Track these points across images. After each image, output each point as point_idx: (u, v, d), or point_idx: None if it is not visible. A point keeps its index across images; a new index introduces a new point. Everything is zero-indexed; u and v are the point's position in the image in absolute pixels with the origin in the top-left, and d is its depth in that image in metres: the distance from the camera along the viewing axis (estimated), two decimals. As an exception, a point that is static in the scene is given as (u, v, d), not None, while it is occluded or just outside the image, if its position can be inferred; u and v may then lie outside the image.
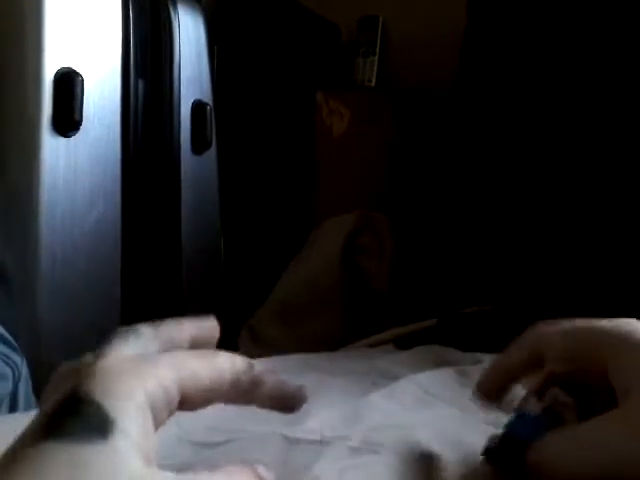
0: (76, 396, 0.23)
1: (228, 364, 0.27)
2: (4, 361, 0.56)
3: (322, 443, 0.37)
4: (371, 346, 0.69)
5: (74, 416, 0.22)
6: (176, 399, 0.25)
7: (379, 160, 0.89)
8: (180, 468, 0.25)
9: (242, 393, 0.28)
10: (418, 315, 0.76)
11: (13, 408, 0.54)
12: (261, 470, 0.26)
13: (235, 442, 0.38)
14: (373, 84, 1.19)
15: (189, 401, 0.26)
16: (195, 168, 0.90)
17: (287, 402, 0.30)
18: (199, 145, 0.90)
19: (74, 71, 0.72)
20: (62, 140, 0.73)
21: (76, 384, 0.23)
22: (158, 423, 0.24)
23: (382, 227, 0.83)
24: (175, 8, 0.85)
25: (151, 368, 0.25)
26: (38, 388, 0.61)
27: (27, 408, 0.54)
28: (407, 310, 0.77)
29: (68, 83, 0.72)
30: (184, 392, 0.25)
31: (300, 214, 0.95)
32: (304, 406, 0.44)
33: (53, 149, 0.73)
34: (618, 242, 0.70)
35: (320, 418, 0.40)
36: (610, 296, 0.68)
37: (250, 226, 0.94)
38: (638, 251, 0.68)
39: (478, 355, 0.59)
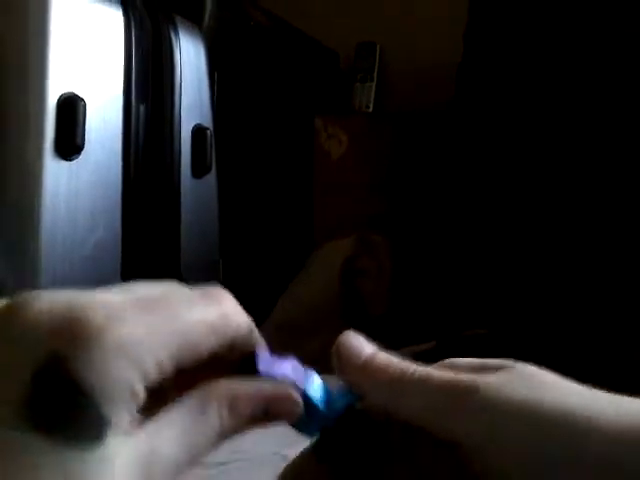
0: (65, 376, 0.20)
1: (233, 322, 0.25)
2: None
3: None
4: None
5: (65, 406, 0.20)
6: (170, 366, 0.22)
7: (377, 183, 0.90)
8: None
9: (234, 355, 0.25)
10: (417, 338, 0.76)
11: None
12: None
13: (235, 463, 0.38)
14: (371, 109, 1.21)
15: (183, 363, 0.23)
16: (195, 192, 0.91)
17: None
18: (199, 169, 0.91)
19: (77, 96, 0.73)
20: (64, 164, 0.74)
21: (60, 355, 0.20)
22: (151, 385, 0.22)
23: (380, 250, 0.84)
24: (176, 34, 0.87)
25: (146, 339, 0.21)
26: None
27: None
28: (406, 333, 0.77)
29: (71, 108, 0.73)
30: (179, 363, 0.22)
31: (299, 237, 0.95)
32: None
33: (55, 172, 0.73)
34: (612, 276, 0.70)
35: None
36: (603, 326, 0.69)
37: (249, 249, 0.95)
38: (634, 280, 0.68)
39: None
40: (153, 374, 0.21)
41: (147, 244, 0.86)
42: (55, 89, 0.71)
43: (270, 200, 0.98)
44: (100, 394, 0.20)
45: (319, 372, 0.67)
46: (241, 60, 1.03)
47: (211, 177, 0.94)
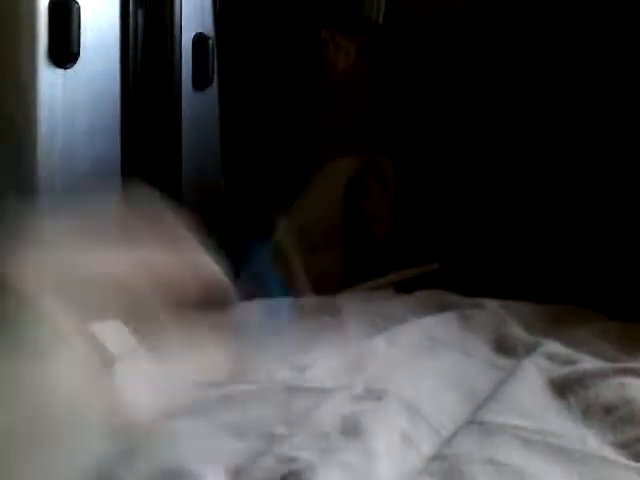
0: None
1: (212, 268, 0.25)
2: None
3: (324, 392, 0.36)
4: (372, 290, 0.69)
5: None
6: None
7: (385, 96, 0.87)
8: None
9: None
10: (419, 259, 0.75)
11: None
12: None
13: (236, 388, 0.38)
14: (380, 21, 1.15)
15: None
16: (196, 104, 0.88)
17: None
18: (200, 80, 0.88)
19: (70, -1, 0.69)
20: (59, 72, 0.71)
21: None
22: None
23: (385, 170, 0.82)
24: None
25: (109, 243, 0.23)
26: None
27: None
28: (409, 254, 0.77)
29: (64, 11, 0.69)
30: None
31: (304, 153, 0.93)
32: (306, 353, 0.44)
33: (50, 81, 0.70)
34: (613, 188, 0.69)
35: (322, 366, 0.40)
36: (599, 247, 0.68)
37: (252, 166, 0.92)
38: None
39: (479, 299, 0.60)
40: None
41: (147, 159, 0.84)
42: (47, -9, 0.67)
43: (274, 113, 0.94)
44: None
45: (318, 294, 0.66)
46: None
47: (213, 89, 0.90)
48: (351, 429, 0.33)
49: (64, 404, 0.21)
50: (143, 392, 0.23)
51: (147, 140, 0.83)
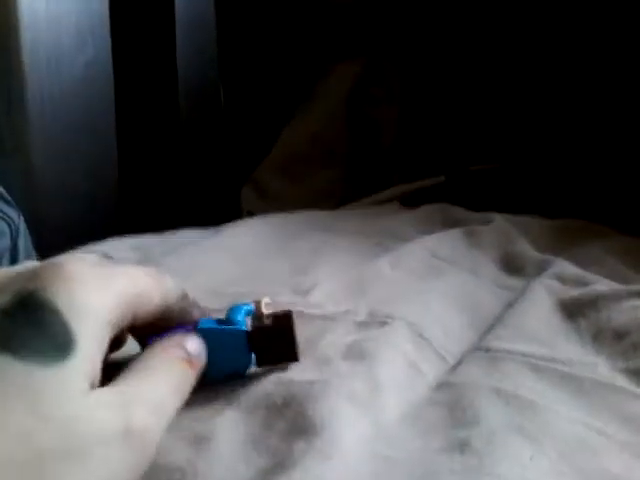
0: (38, 300, 0.21)
1: (172, 287, 0.27)
2: (0, 216, 0.54)
3: (326, 318, 0.35)
4: (376, 203, 0.67)
5: (36, 326, 0.20)
6: (130, 316, 0.24)
7: (389, 2, 0.81)
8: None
9: (173, 318, 0.27)
10: (425, 172, 0.73)
11: (14, 264, 0.53)
12: (190, 345, 0.26)
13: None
14: None
15: (136, 318, 0.25)
16: (190, 3, 0.83)
17: None
18: (194, -23, 0.82)
19: None
20: (41, -28, 0.66)
21: (37, 286, 0.21)
22: (112, 337, 0.23)
23: (390, 76, 0.78)
24: None
25: (111, 281, 0.23)
26: (37, 242, 0.60)
27: (27, 263, 0.53)
28: (414, 166, 0.74)
29: None
30: (136, 309, 0.24)
31: (307, 58, 0.88)
32: (308, 274, 0.43)
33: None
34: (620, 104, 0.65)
35: (324, 289, 0.39)
36: (611, 157, 0.65)
37: (251, 73, 0.88)
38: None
39: (486, 214, 0.58)
40: (117, 315, 0.23)
41: (141, 62, 0.80)
42: None
43: (274, 14, 0.89)
44: (69, 310, 0.21)
45: (324, 208, 0.64)
46: None
47: (208, -15, 0.84)
48: (355, 357, 0.32)
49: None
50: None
51: (139, 44, 0.79)
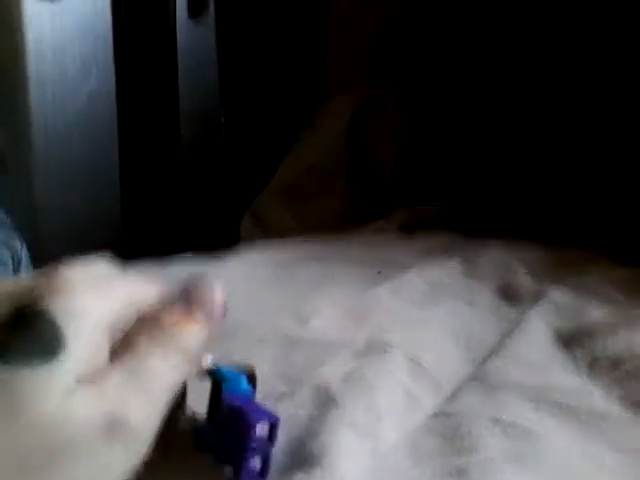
0: (35, 310, 0.22)
1: (167, 295, 0.26)
2: (3, 245, 0.55)
3: (326, 345, 0.36)
4: (375, 230, 0.68)
5: (28, 333, 0.21)
6: (132, 320, 0.24)
7: (386, 35, 0.83)
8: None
9: None
10: (424, 199, 0.74)
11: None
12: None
13: (235, 339, 0.37)
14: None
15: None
16: (192, 33, 0.84)
17: None
18: (196, 7, 0.84)
19: None
20: (46, 5, 0.67)
21: (36, 296, 0.22)
22: (113, 341, 0.23)
23: (389, 107, 0.79)
24: None
25: (109, 288, 0.24)
26: (38, 268, 0.60)
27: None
28: (413, 194, 0.75)
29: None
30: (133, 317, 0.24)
31: (306, 90, 0.89)
32: (308, 302, 0.44)
33: (37, 15, 0.67)
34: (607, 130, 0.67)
35: (323, 317, 0.39)
36: (608, 187, 0.66)
37: (252, 103, 0.89)
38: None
39: (484, 240, 0.59)
40: (114, 319, 0.23)
41: (143, 92, 0.82)
42: None
43: (275, 47, 0.90)
44: (62, 315, 0.22)
45: (323, 237, 0.64)
46: None
47: (209, 18, 0.86)
48: (354, 385, 0.33)
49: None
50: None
51: (142, 74, 0.80)
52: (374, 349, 0.36)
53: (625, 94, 0.67)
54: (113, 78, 0.75)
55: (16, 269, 0.54)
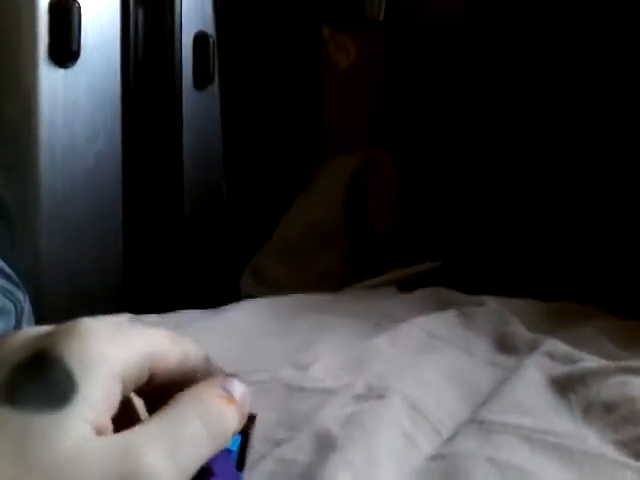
0: (50, 356, 0.22)
1: (193, 349, 0.26)
2: (7, 296, 0.56)
3: (325, 392, 0.36)
4: (374, 287, 0.69)
5: (39, 378, 0.21)
6: (146, 374, 0.24)
7: (386, 97, 0.87)
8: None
9: (195, 382, 0.26)
10: (422, 257, 0.75)
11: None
12: (232, 386, 0.24)
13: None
14: (381, 18, 1.14)
15: (154, 379, 0.24)
16: (197, 103, 0.88)
17: None
18: (201, 79, 0.87)
19: (71, -2, 0.69)
20: (60, 71, 0.71)
21: (52, 343, 0.22)
22: (126, 394, 0.23)
23: (387, 167, 0.82)
24: None
25: (127, 338, 0.24)
26: (40, 323, 0.61)
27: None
28: (411, 252, 0.77)
29: (65, 11, 0.69)
30: (153, 368, 0.24)
31: (305, 152, 0.93)
32: (307, 350, 0.44)
33: (51, 81, 0.70)
34: (617, 193, 0.69)
35: (323, 365, 0.40)
36: (607, 244, 0.68)
37: (253, 164, 0.92)
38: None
39: (481, 298, 0.59)
40: (130, 369, 0.23)
41: (148, 157, 0.84)
42: (47, -9, 0.67)
43: (275, 112, 0.94)
44: (76, 361, 0.22)
45: (320, 292, 0.66)
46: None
47: (214, 88, 0.90)
48: (353, 428, 0.33)
49: None
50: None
51: (148, 139, 0.83)
52: (372, 394, 0.37)
53: (618, 154, 0.69)
54: (120, 141, 0.78)
55: (19, 319, 0.55)
